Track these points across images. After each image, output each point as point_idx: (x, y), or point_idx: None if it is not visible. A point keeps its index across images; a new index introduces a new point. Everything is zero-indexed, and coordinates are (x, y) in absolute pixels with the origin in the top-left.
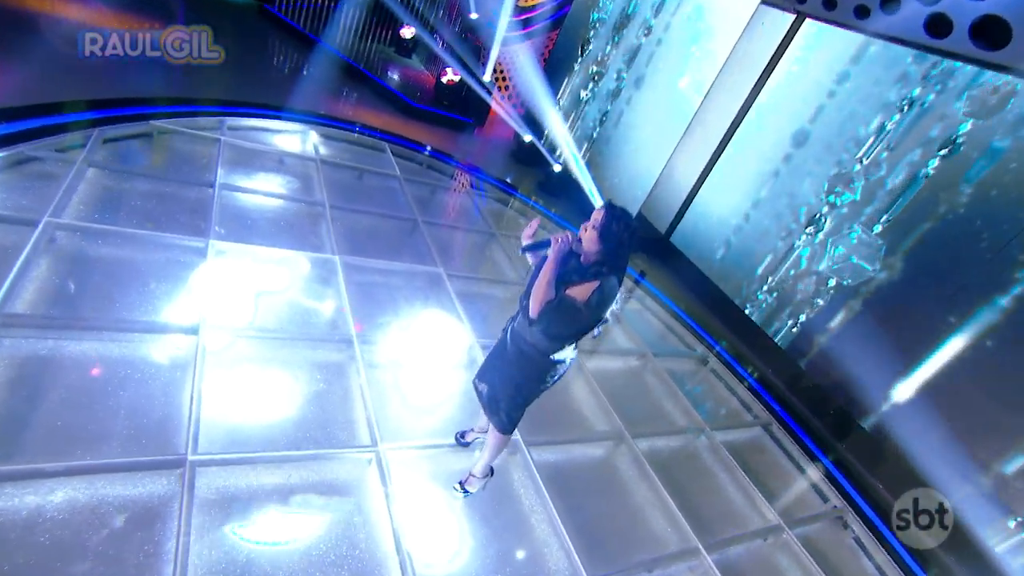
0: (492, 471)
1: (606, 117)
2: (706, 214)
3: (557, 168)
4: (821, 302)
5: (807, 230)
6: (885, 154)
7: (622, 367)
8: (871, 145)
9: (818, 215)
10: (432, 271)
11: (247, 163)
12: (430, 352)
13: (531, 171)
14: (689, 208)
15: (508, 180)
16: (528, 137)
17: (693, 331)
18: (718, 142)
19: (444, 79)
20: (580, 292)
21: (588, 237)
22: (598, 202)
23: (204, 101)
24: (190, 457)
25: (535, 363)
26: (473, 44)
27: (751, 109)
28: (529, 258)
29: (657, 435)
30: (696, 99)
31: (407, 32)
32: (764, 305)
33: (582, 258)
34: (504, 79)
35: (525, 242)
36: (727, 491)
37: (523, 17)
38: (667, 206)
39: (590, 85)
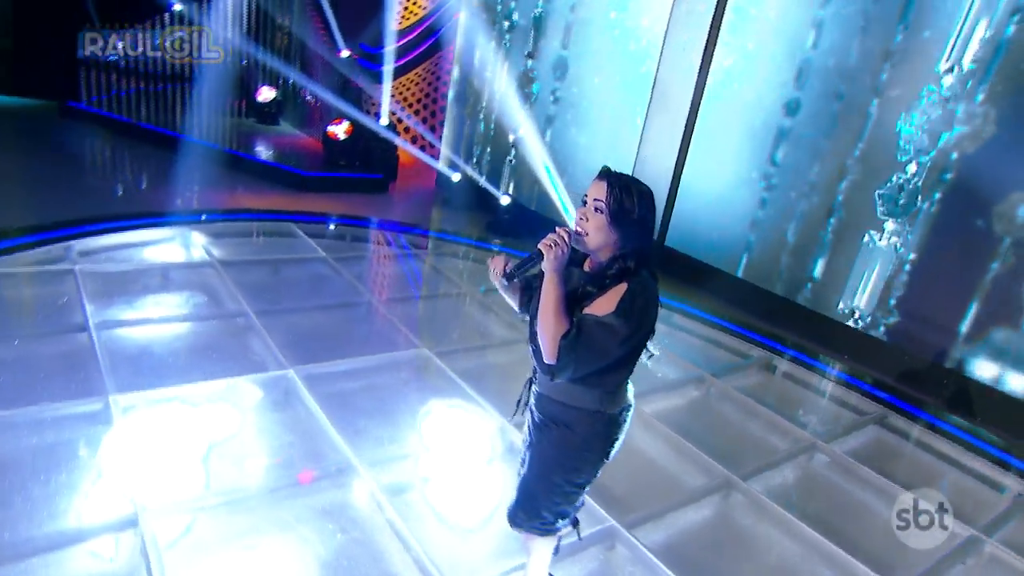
0: None
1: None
2: (703, 205)
3: (505, 200)
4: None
5: (885, 198)
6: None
7: (683, 401)
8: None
9: (898, 181)
10: (415, 355)
11: (122, 290)
12: (456, 452)
13: (473, 212)
14: (676, 202)
15: (452, 229)
16: (456, 176)
17: (741, 336)
18: (686, 115)
19: (332, 137)
20: (604, 305)
21: (594, 226)
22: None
23: (22, 231)
24: None
25: (588, 431)
26: (354, 88)
27: (713, 57)
28: (509, 299)
29: (766, 468)
30: (648, 69)
31: (265, 95)
32: (823, 294)
33: (588, 261)
34: (423, 106)
35: (497, 280)
36: (882, 511)
37: (409, 39)
38: None
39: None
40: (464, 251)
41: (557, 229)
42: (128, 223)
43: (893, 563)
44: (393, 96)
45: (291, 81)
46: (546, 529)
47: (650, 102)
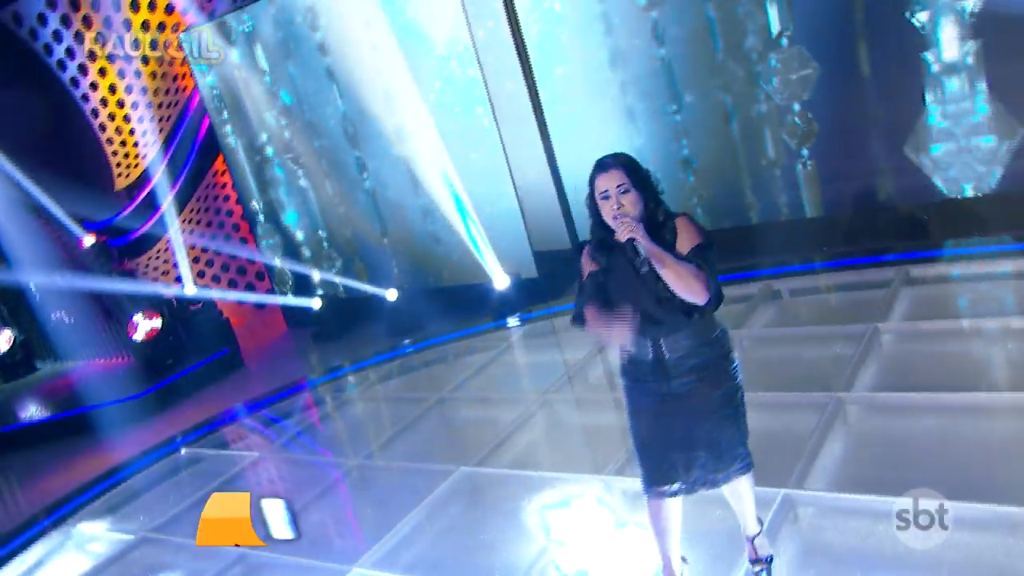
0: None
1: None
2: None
3: (392, 295)
4: None
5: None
6: None
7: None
8: None
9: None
10: (457, 479)
11: None
12: (601, 530)
13: (359, 326)
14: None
15: (355, 355)
16: (316, 302)
17: (727, 283)
18: (528, 96)
19: (149, 338)
20: (687, 237)
21: (631, 204)
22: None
23: None
24: None
25: (719, 347)
26: (127, 271)
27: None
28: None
29: (852, 372)
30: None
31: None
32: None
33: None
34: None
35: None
36: (981, 348)
37: (162, 171)
38: (553, 221)
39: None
40: (386, 370)
41: (617, 217)
42: None
43: None
44: (188, 230)
45: (33, 308)
46: (748, 461)
47: (491, 105)
